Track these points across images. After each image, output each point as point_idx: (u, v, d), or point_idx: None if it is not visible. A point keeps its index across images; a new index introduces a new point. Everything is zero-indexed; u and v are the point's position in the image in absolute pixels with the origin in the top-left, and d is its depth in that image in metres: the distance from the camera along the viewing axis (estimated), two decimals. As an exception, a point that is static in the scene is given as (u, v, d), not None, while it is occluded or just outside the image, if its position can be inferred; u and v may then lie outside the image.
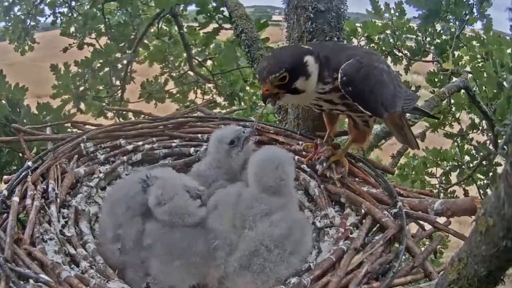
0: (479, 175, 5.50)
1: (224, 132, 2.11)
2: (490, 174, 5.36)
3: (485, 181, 5.46)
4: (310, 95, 1.91)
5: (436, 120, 5.14)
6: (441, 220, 1.77)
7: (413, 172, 5.56)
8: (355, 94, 1.85)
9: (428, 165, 5.65)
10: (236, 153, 2.04)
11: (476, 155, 5.46)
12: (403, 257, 1.59)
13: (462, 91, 4.48)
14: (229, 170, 2.05)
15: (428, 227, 1.79)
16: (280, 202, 1.76)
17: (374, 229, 1.78)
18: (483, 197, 4.99)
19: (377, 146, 3.64)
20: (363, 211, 1.86)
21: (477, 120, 5.29)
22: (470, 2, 4.53)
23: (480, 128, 5.32)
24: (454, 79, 4.39)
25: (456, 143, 5.57)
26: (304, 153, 2.30)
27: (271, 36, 4.19)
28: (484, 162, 5.37)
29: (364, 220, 1.80)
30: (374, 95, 1.91)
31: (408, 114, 2.79)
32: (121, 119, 6.15)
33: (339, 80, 1.84)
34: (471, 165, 5.49)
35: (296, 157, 2.27)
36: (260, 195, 1.77)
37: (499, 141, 4.66)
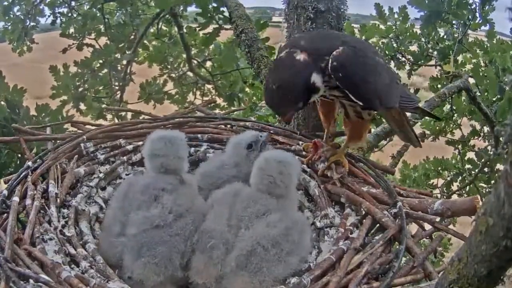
0: (481, 184, 5.47)
1: (241, 136, 2.16)
2: (492, 182, 5.29)
3: (487, 190, 5.40)
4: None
5: (437, 127, 5.13)
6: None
7: (414, 184, 5.55)
8: (345, 80, 1.84)
9: (430, 176, 5.64)
10: (254, 156, 2.05)
11: (478, 162, 5.42)
12: (404, 258, 1.59)
13: (463, 95, 4.47)
14: (246, 172, 2.04)
15: (428, 227, 1.79)
16: (279, 202, 1.76)
17: (374, 229, 1.79)
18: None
19: (377, 147, 3.63)
20: (363, 211, 1.86)
21: (478, 127, 5.27)
22: (472, 7, 4.50)
23: (481, 134, 5.29)
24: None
25: (457, 150, 5.54)
26: (304, 153, 2.30)
27: (271, 37, 4.19)
28: (485, 170, 5.33)
29: (364, 220, 1.81)
30: (366, 84, 1.88)
31: (409, 114, 2.80)
32: (120, 121, 6.14)
33: (329, 65, 1.82)
34: (472, 173, 5.45)
35: (296, 157, 2.27)
36: (258, 194, 1.77)
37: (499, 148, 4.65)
